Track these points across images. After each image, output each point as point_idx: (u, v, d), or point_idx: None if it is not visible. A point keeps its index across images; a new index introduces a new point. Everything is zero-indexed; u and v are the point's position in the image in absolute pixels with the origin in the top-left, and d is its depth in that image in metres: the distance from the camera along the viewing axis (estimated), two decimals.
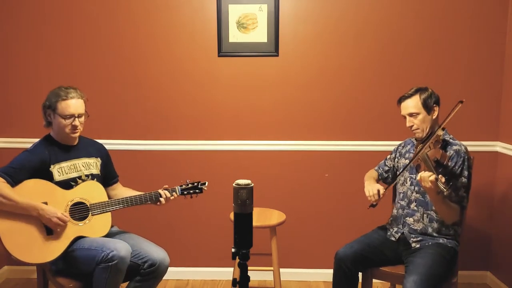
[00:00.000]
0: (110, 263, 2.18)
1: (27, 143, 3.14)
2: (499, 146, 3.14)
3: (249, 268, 1.62)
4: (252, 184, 1.58)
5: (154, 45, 3.15)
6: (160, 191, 2.47)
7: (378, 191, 2.41)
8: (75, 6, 3.12)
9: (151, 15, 3.12)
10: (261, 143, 3.22)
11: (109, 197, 2.58)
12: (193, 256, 3.34)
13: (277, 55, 3.13)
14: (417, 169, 2.43)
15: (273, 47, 3.12)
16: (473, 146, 3.10)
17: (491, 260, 3.25)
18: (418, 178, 2.22)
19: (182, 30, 3.13)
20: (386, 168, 2.69)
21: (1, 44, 3.17)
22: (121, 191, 2.63)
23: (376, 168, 2.75)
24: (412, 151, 2.55)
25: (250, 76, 3.17)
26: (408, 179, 2.52)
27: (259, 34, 3.11)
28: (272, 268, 2.86)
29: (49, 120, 2.41)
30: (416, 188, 2.46)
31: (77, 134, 2.42)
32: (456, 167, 2.35)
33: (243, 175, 1.83)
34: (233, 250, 1.60)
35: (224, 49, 3.12)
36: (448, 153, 2.36)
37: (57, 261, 2.28)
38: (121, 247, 2.23)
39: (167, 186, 2.50)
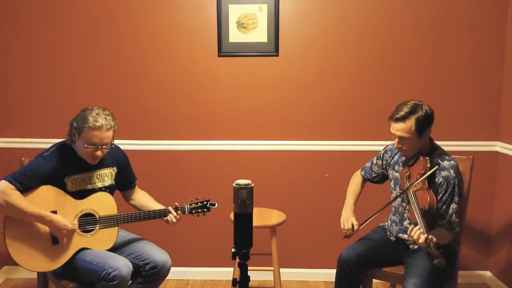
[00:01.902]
0: (111, 283, 2.16)
1: (27, 143, 3.17)
2: (499, 146, 3.14)
3: (249, 268, 1.62)
4: (252, 184, 1.58)
5: (154, 45, 3.15)
6: (171, 212, 2.43)
7: (353, 225, 2.40)
8: (75, 6, 3.12)
9: (151, 15, 3.12)
10: (261, 143, 3.22)
11: (127, 201, 2.59)
12: (193, 256, 3.34)
13: (277, 55, 3.13)
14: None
15: (273, 47, 3.12)
16: (473, 146, 3.11)
17: (491, 260, 3.25)
18: (409, 233, 2.14)
19: (182, 30, 3.13)
20: (374, 174, 2.64)
21: (1, 44, 3.17)
22: (139, 196, 2.61)
23: (362, 173, 2.69)
24: (400, 164, 2.44)
25: (250, 76, 3.17)
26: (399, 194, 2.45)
27: (259, 34, 3.11)
28: (272, 268, 2.86)
29: (73, 139, 2.31)
30: (408, 207, 2.39)
31: (96, 161, 2.33)
32: (446, 195, 2.25)
33: (243, 175, 1.82)
34: (233, 250, 1.60)
35: (224, 49, 3.12)
36: (436, 180, 2.27)
37: (57, 268, 2.28)
38: (122, 266, 2.20)
39: (177, 204, 2.47)
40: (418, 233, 2.08)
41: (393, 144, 2.53)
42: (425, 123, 2.24)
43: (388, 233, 2.53)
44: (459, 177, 2.29)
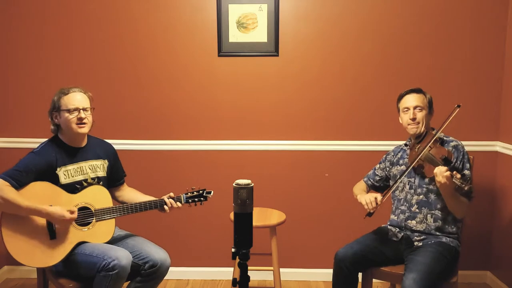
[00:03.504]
0: (111, 272, 2.16)
1: (27, 143, 3.16)
2: (499, 146, 3.14)
3: (249, 268, 1.62)
4: (252, 184, 1.58)
5: (154, 45, 3.15)
6: (165, 199, 2.44)
7: (376, 198, 2.36)
8: (75, 6, 3.12)
9: (151, 15, 3.12)
10: (261, 143, 3.22)
11: (114, 197, 2.57)
12: (193, 256, 3.34)
13: (277, 55, 3.13)
14: (416, 171, 2.44)
15: (273, 47, 3.12)
16: (473, 146, 3.11)
17: (491, 260, 3.25)
18: (435, 171, 2.21)
19: (182, 30, 3.13)
20: (377, 178, 2.68)
21: (1, 44, 3.17)
22: (126, 193, 2.61)
23: (365, 179, 2.74)
24: (406, 157, 2.54)
25: (250, 76, 3.17)
26: (407, 183, 2.51)
27: (259, 34, 3.11)
28: (272, 268, 2.86)
29: (56, 123, 2.37)
30: (419, 190, 2.45)
31: (85, 129, 2.36)
32: (458, 161, 2.40)
33: (243, 175, 1.83)
34: (233, 250, 1.60)
35: (224, 49, 3.13)
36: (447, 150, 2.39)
37: (57, 264, 2.27)
38: (122, 256, 2.21)
39: (172, 194, 2.48)
40: (444, 168, 2.19)
41: (394, 147, 2.63)
42: (431, 102, 2.52)
43: (391, 233, 2.53)
44: (465, 149, 2.46)
